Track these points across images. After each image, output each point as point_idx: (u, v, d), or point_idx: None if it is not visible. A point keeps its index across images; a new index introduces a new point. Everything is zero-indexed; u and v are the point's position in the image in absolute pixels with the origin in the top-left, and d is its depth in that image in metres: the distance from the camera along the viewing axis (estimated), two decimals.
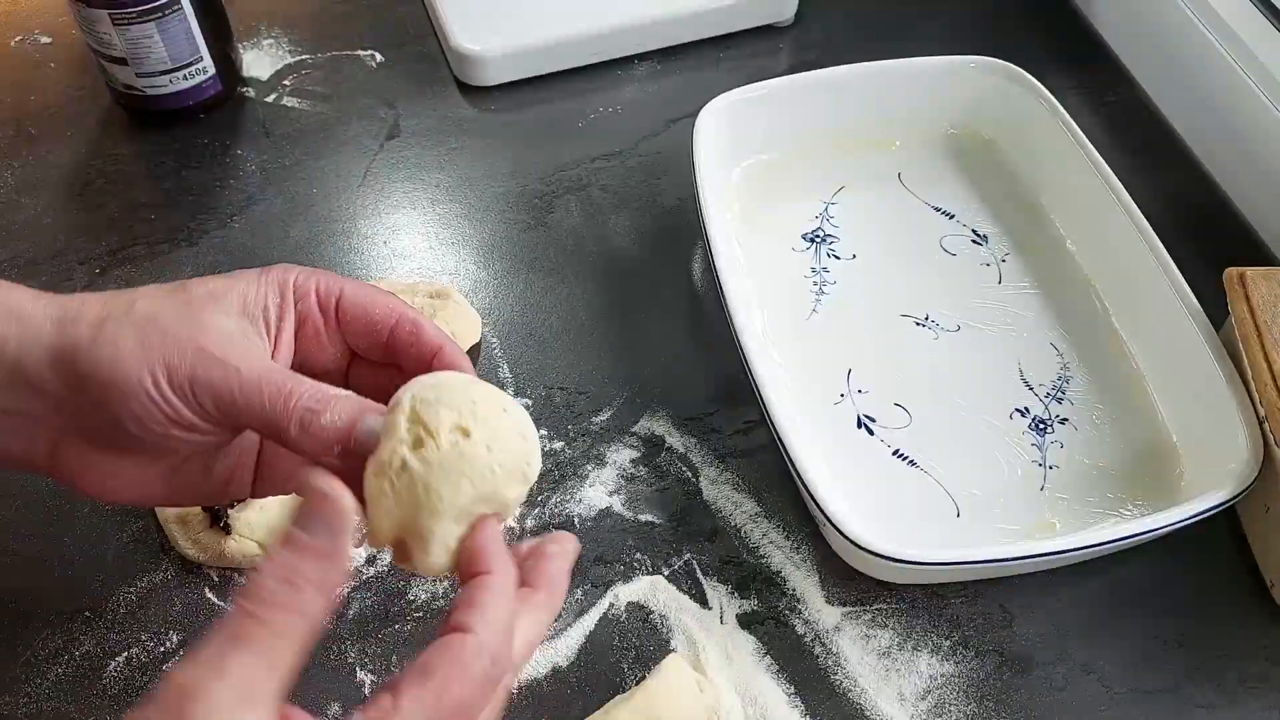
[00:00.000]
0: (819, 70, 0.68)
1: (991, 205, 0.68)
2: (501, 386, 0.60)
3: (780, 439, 0.52)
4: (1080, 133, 0.65)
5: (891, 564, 0.49)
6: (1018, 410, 0.59)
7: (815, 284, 0.64)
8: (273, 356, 0.39)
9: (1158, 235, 0.60)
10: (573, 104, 0.76)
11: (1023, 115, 0.68)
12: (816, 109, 0.68)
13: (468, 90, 0.76)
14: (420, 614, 0.52)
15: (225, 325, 0.38)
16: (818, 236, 0.66)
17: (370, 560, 0.54)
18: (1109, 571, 0.54)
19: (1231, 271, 0.56)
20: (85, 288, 0.64)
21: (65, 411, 0.38)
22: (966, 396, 0.60)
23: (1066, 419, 0.59)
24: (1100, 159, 0.64)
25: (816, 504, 0.50)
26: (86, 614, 0.51)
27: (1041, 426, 0.59)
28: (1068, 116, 0.66)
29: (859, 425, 0.58)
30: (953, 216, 0.68)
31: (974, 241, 0.67)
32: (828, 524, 0.50)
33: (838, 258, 0.65)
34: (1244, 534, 0.55)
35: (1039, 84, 0.67)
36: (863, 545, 0.48)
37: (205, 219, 0.68)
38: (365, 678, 0.49)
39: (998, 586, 0.53)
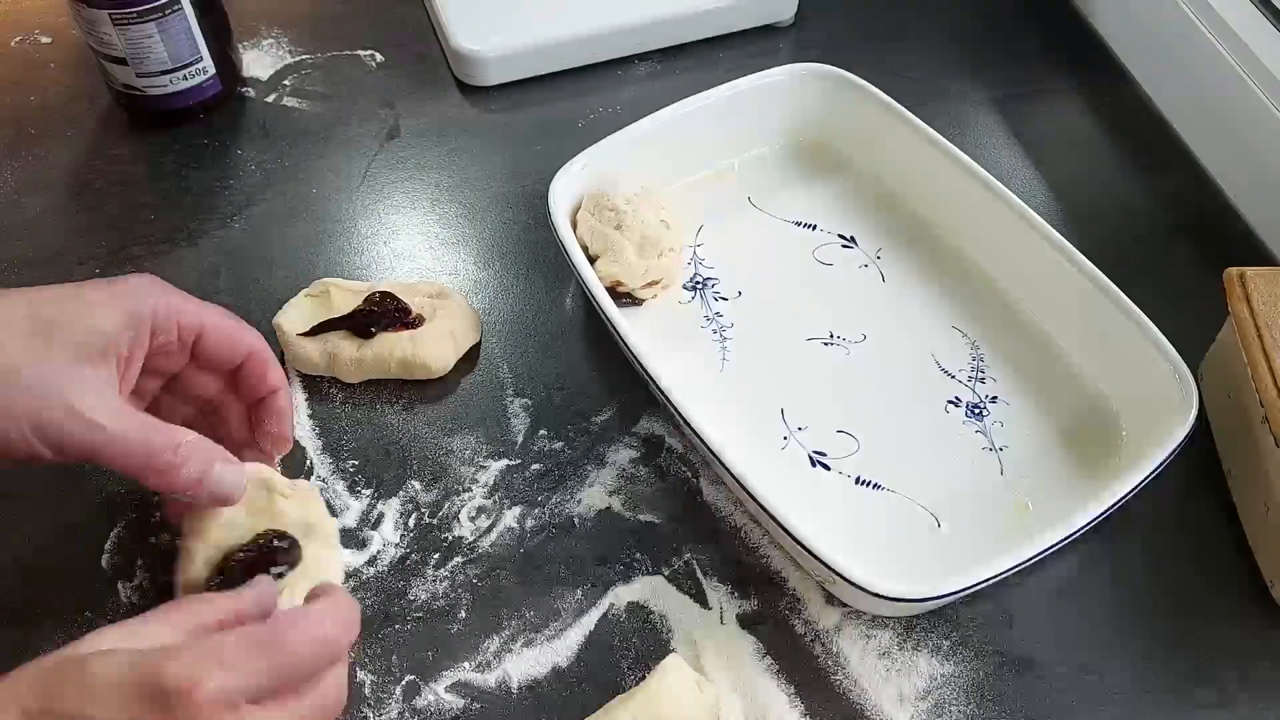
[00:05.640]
0: (643, 120, 0.65)
1: (846, 205, 0.67)
2: (501, 386, 0.60)
3: (769, 511, 0.49)
4: (914, 118, 0.64)
5: (920, 604, 0.48)
6: (949, 402, 0.59)
7: (714, 332, 0.62)
8: (120, 383, 0.44)
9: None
10: (573, 104, 0.76)
11: (849, 114, 0.67)
12: (656, 155, 0.65)
13: (468, 90, 0.76)
14: (420, 614, 0.52)
15: (85, 376, 0.42)
16: (698, 283, 0.64)
17: (371, 561, 0.54)
18: (1109, 571, 0.54)
19: (1231, 271, 0.56)
20: None
21: None
22: (897, 403, 0.59)
23: (996, 397, 0.59)
24: (943, 139, 0.63)
25: (827, 565, 0.48)
26: (86, 614, 0.51)
27: (977, 411, 0.58)
28: (894, 104, 0.65)
29: (813, 464, 0.57)
30: (815, 226, 0.67)
31: (844, 246, 0.66)
32: (839, 580, 0.48)
33: (725, 299, 0.63)
34: (1244, 534, 0.55)
35: (857, 79, 0.67)
36: (893, 596, 0.47)
37: (205, 219, 0.68)
38: (366, 678, 0.49)
39: (997, 587, 0.53)
